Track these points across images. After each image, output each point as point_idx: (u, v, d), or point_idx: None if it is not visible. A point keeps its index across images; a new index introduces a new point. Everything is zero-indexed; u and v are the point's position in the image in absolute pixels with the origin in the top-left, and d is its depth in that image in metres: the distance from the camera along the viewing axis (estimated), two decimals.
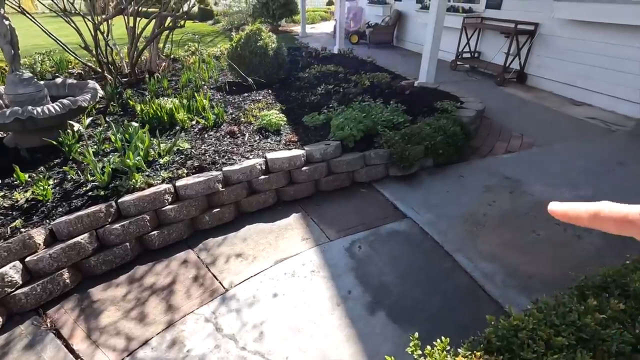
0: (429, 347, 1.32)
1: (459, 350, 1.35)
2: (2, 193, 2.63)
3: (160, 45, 6.20)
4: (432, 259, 2.48)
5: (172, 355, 1.84)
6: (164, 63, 6.13)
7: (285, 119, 3.90)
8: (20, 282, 2.08)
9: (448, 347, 1.33)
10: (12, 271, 2.05)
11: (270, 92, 4.95)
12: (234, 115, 4.08)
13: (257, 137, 3.57)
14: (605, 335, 1.34)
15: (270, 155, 3.11)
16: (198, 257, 2.54)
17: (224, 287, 2.27)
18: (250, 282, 2.30)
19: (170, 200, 2.67)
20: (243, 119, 3.95)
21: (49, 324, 2.01)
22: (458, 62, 7.46)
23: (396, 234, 2.74)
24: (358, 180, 3.41)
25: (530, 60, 6.36)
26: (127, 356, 1.84)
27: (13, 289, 2.05)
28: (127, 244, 2.45)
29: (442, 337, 1.35)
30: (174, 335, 1.95)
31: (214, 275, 2.36)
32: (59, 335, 1.95)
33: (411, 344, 1.31)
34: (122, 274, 2.37)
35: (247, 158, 3.15)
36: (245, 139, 3.54)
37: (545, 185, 3.29)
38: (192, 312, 2.10)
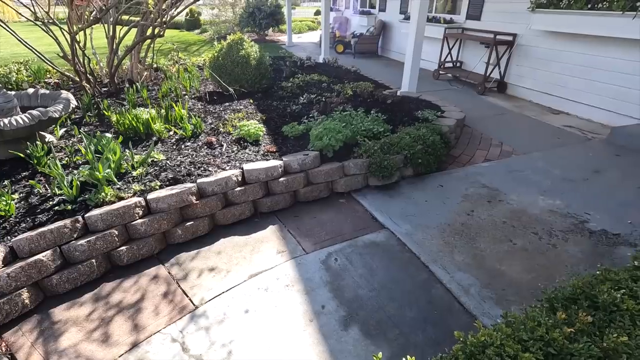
0: None
1: None
2: None
3: (142, 54, 6.12)
4: (408, 270, 2.45)
5: None
6: (146, 72, 6.05)
7: (264, 129, 3.86)
8: None
9: None
10: None
11: (251, 101, 4.91)
12: (213, 126, 4.02)
13: (235, 148, 3.51)
14: (573, 349, 1.31)
15: (247, 166, 3.06)
16: (169, 272, 2.45)
17: (194, 304, 2.19)
18: (221, 298, 2.23)
19: (141, 214, 2.59)
20: (222, 129, 3.89)
21: (3, 349, 1.90)
22: (440, 72, 7.56)
23: (374, 245, 2.70)
24: (337, 191, 3.37)
25: (510, 69, 6.49)
26: None
27: None
28: (94, 260, 2.35)
29: (408, 356, 1.31)
30: (138, 357, 1.86)
31: (184, 292, 2.28)
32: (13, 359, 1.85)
33: None
34: (87, 292, 2.27)
35: (224, 169, 3.09)
36: (223, 149, 3.48)
37: (522, 194, 3.31)
38: (158, 331, 2.01)
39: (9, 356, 1.87)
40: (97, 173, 2.71)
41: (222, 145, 3.55)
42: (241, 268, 2.48)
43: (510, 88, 6.56)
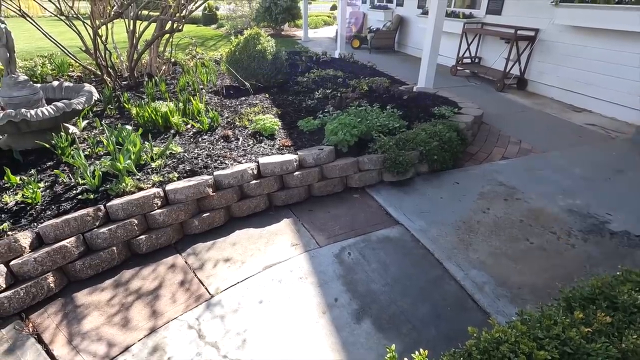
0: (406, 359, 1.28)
1: None
2: None
3: (161, 48, 6.23)
4: (422, 266, 2.44)
5: None
6: (164, 66, 6.16)
7: (279, 123, 3.88)
8: (4, 286, 2.07)
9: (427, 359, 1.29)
10: None
11: (267, 96, 4.94)
12: (229, 119, 4.07)
13: (251, 142, 3.55)
14: (590, 349, 1.29)
15: (262, 160, 3.10)
16: (186, 262, 2.51)
17: (210, 293, 2.24)
18: (236, 288, 2.27)
19: (159, 204, 2.65)
20: (238, 123, 3.94)
21: (30, 329, 2.00)
22: (458, 68, 7.43)
23: (387, 240, 2.71)
24: (351, 186, 3.38)
25: (531, 66, 6.32)
26: None
27: None
28: (114, 248, 2.43)
29: (421, 349, 1.32)
30: (156, 341, 1.93)
31: (201, 281, 2.34)
32: (40, 340, 1.93)
33: (387, 356, 1.27)
34: (108, 279, 2.36)
35: (240, 162, 3.13)
36: (239, 143, 3.52)
37: (540, 192, 3.24)
38: (176, 317, 2.07)
39: (36, 336, 1.96)
40: (118, 164, 2.79)
41: (238, 139, 3.59)
42: (256, 259, 2.52)
43: (531, 85, 6.40)
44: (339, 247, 2.62)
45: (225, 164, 3.12)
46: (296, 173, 3.12)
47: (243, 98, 4.85)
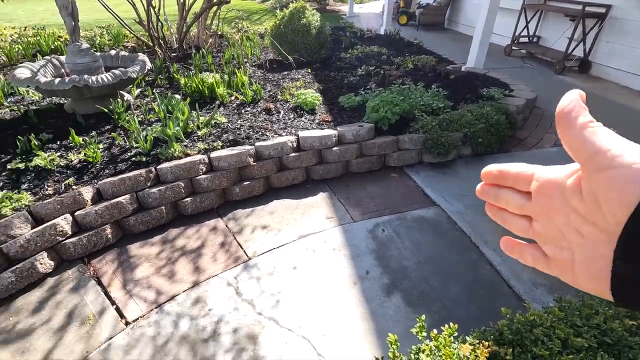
0: (435, 331, 1.30)
1: (467, 337, 1.32)
2: (59, 153, 2.91)
3: (208, 21, 6.36)
4: (457, 249, 2.41)
5: (195, 312, 1.98)
6: (211, 39, 6.30)
7: (320, 98, 3.89)
8: (70, 233, 2.32)
9: (456, 334, 1.31)
10: (63, 222, 2.29)
11: (309, 71, 4.93)
12: (271, 93, 4.14)
13: (292, 115, 3.60)
14: (633, 342, 1.24)
15: (302, 134, 3.14)
16: (226, 225, 2.66)
17: (248, 256, 2.37)
18: (272, 254, 2.38)
19: (204, 170, 2.80)
20: (280, 97, 3.99)
21: (91, 272, 2.24)
22: (513, 47, 6.93)
23: (422, 220, 2.68)
24: (389, 165, 3.35)
25: (598, 47, 5.75)
26: (156, 308, 2.01)
27: (63, 238, 2.29)
28: (163, 207, 2.62)
29: (451, 323, 1.33)
30: (198, 294, 2.09)
31: (239, 244, 2.48)
32: (99, 282, 2.17)
33: (417, 325, 1.30)
34: (157, 235, 2.56)
35: (280, 135, 3.20)
36: (280, 116, 3.59)
37: None
38: (216, 275, 2.22)
39: (96, 279, 2.20)
40: (168, 130, 2.96)
41: (279, 112, 3.65)
42: (291, 229, 2.61)
43: (595, 68, 5.84)
44: (373, 224, 2.64)
45: (266, 135, 3.21)
46: (335, 148, 3.14)
47: (285, 72, 4.88)
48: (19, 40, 5.82)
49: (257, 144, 3.00)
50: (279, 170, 3.07)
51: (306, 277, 2.19)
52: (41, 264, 2.16)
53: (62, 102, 3.93)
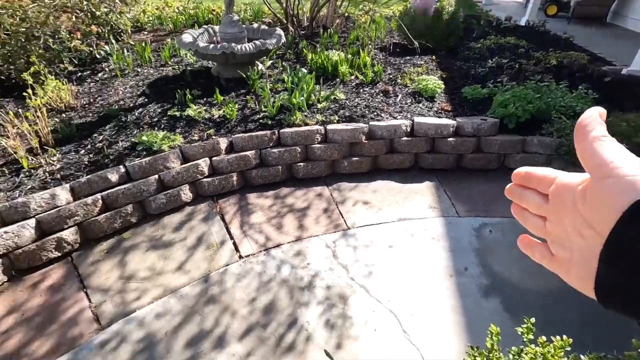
0: (543, 338, 1.21)
1: (582, 357, 1.20)
2: (205, 108, 3.43)
3: (338, 2, 6.56)
4: None
5: (296, 262, 2.20)
6: (338, 20, 6.50)
7: (442, 86, 3.73)
8: (206, 174, 2.76)
9: (569, 348, 1.20)
10: (203, 164, 2.74)
11: (433, 58, 4.74)
12: (391, 76, 4.12)
13: (409, 100, 3.55)
14: None
15: (417, 119, 3.09)
16: (331, 194, 2.83)
17: (347, 225, 2.50)
18: (370, 228, 2.46)
19: (319, 140, 3.00)
20: (399, 81, 3.96)
21: (217, 209, 2.65)
22: None
23: None
24: (509, 166, 3.07)
25: None
26: (264, 250, 2.29)
27: (201, 177, 2.75)
28: (279, 167, 2.91)
29: (564, 336, 1.22)
30: (300, 248, 2.31)
31: (341, 213, 2.62)
32: (222, 219, 2.56)
33: (524, 326, 1.23)
34: (271, 190, 2.87)
35: (395, 118, 3.20)
36: (397, 99, 3.57)
37: None
38: (316, 235, 2.41)
39: (220, 216, 2.59)
40: (294, 99, 3.22)
41: (397, 96, 3.64)
42: (392, 210, 2.64)
43: None
44: (480, 222, 2.50)
45: (381, 116, 3.24)
46: (450, 139, 3.01)
47: (408, 57, 4.78)
48: (183, 12, 6.91)
49: (371, 123, 3.07)
50: (388, 151, 3.09)
51: (401, 258, 2.22)
52: (184, 194, 2.64)
53: (209, 65, 4.58)
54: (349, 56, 4.33)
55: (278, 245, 2.32)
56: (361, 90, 3.79)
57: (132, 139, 2.95)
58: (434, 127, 3.00)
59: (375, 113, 3.30)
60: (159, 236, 2.38)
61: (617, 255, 0.29)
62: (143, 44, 4.56)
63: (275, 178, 2.92)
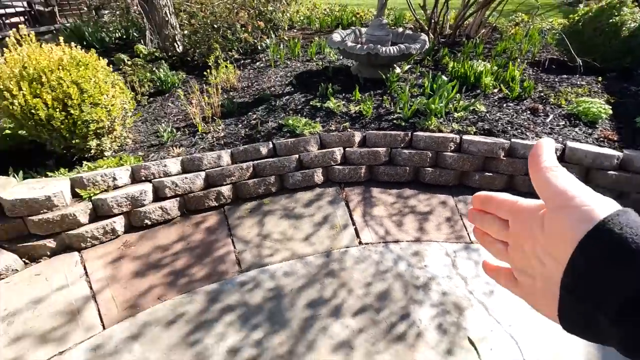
0: None
1: None
2: (343, 102, 3.69)
3: (488, 12, 6.20)
4: None
5: (413, 261, 2.23)
6: (484, 30, 6.16)
7: (609, 112, 3.24)
8: (339, 161, 2.99)
9: None
10: (337, 152, 2.97)
11: (599, 79, 4.13)
12: (542, 94, 3.75)
13: (562, 122, 3.19)
14: None
15: (571, 144, 2.77)
16: (456, 205, 2.76)
17: (471, 240, 2.42)
18: None
19: (452, 148, 2.94)
20: (552, 100, 3.58)
21: (343, 196, 2.85)
22: None
23: None
24: None
25: None
26: (383, 242, 2.39)
27: (333, 164, 2.98)
28: (407, 168, 2.97)
29: None
30: (418, 248, 2.33)
31: (465, 226, 2.54)
32: (347, 205, 2.74)
33: None
34: (394, 189, 2.94)
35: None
36: (547, 120, 3.25)
37: None
38: (437, 241, 2.40)
39: (345, 202, 2.78)
40: (432, 105, 3.22)
41: (547, 116, 3.31)
42: None
43: None
44: None
45: (525, 135, 3.00)
46: (611, 172, 2.62)
47: (565, 76, 4.27)
48: (329, 14, 7.46)
49: (513, 139, 2.87)
50: (527, 173, 2.85)
51: None
52: (317, 176, 2.92)
53: (349, 65, 4.87)
54: (495, 68, 4.10)
55: (397, 241, 2.38)
56: (504, 105, 3.55)
57: (279, 121, 3.36)
58: (591, 156, 2.65)
59: (519, 130, 3.07)
60: (291, 208, 2.69)
61: (576, 284, 0.30)
62: (295, 40, 5.11)
63: (401, 178, 2.98)
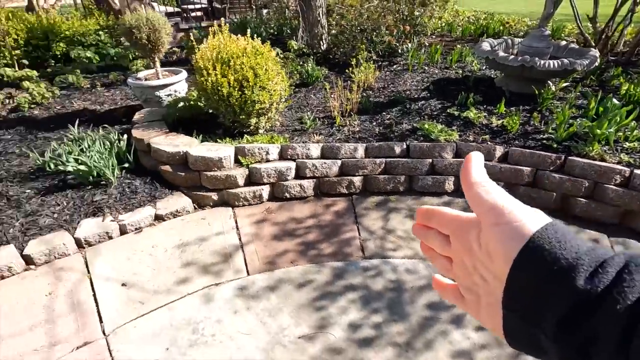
0: None
1: None
2: (484, 114, 3.51)
3: None
4: None
5: None
6: None
7: None
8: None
9: None
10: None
11: None
12: None
13: None
14: None
15: None
16: (612, 247, 2.39)
17: None
18: None
19: (617, 182, 2.55)
20: None
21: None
22: None
23: None
24: None
25: None
26: None
27: None
28: (554, 194, 2.69)
29: None
30: None
31: None
32: None
33: None
34: None
35: None
36: None
37: None
38: None
39: None
40: (598, 130, 2.83)
41: None
42: None
43: None
44: None
45: None
46: None
47: None
48: (474, 22, 7.09)
49: None
50: None
51: None
52: (448, 183, 2.87)
53: (492, 76, 4.58)
54: None
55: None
56: None
57: (414, 124, 3.39)
58: None
59: None
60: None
61: (516, 303, 0.29)
62: (437, 47, 5.03)
63: (546, 203, 2.72)
